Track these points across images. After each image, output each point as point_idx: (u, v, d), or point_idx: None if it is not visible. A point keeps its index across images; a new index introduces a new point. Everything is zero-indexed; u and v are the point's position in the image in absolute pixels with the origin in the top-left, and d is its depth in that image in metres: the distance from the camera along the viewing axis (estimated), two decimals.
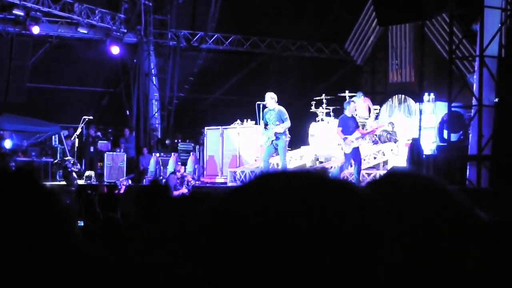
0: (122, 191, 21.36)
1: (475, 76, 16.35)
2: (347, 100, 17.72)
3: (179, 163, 22.86)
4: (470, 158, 15.93)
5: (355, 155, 16.52)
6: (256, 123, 20.50)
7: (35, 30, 25.26)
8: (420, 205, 1.60)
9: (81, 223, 8.11)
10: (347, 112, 16.81)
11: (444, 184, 1.66)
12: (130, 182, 23.08)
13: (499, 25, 15.61)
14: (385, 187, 1.66)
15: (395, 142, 20.10)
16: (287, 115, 16.96)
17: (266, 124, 17.14)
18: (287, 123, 16.87)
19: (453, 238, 1.57)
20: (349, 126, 16.53)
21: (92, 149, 26.17)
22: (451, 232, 1.57)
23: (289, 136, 17.20)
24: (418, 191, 1.63)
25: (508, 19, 15.78)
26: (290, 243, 1.09)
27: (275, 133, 16.86)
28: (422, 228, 1.56)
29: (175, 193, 19.63)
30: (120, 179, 23.14)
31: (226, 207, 1.19)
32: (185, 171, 22.11)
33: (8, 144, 24.90)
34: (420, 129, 17.73)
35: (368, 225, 1.14)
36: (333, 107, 21.97)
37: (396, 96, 24.58)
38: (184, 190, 19.88)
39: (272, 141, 16.93)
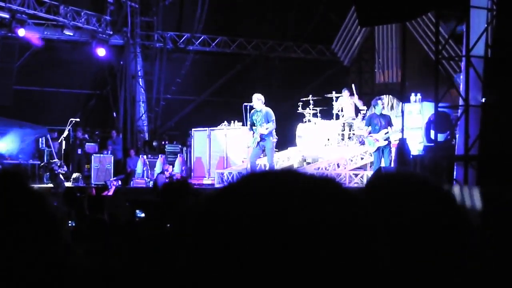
0: (111, 191, 21.27)
1: (461, 76, 16.38)
2: (374, 99, 17.75)
3: (167, 164, 22.83)
4: (457, 158, 15.94)
5: (386, 155, 16.60)
6: (243, 125, 20.50)
7: (21, 32, 25.16)
8: (413, 204, 1.59)
9: (72, 223, 8.14)
10: (376, 110, 16.87)
11: (438, 182, 1.66)
12: (119, 183, 23.01)
13: (485, 25, 15.65)
14: (373, 189, 1.66)
15: None
16: (273, 117, 16.96)
17: (252, 125, 17.13)
18: (271, 125, 16.84)
19: (447, 235, 1.57)
20: (375, 124, 16.58)
21: (80, 151, 26.08)
22: (446, 230, 1.57)
23: (276, 137, 17.20)
24: (411, 190, 1.63)
25: (494, 19, 15.82)
26: (281, 241, 1.08)
27: (260, 135, 16.87)
28: (414, 227, 1.55)
29: None
30: (110, 179, 23.05)
31: (212, 208, 1.18)
32: (172, 170, 22.11)
33: None
34: (403, 129, 17.72)
35: (359, 220, 1.14)
36: (320, 108, 22.00)
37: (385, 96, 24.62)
38: None
39: (258, 142, 16.93)
